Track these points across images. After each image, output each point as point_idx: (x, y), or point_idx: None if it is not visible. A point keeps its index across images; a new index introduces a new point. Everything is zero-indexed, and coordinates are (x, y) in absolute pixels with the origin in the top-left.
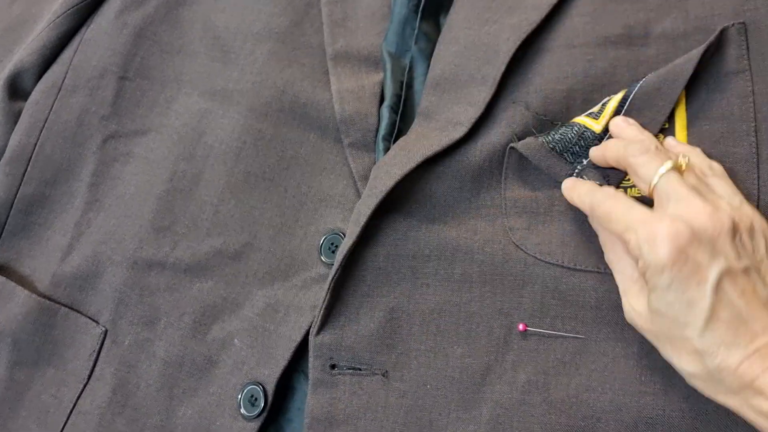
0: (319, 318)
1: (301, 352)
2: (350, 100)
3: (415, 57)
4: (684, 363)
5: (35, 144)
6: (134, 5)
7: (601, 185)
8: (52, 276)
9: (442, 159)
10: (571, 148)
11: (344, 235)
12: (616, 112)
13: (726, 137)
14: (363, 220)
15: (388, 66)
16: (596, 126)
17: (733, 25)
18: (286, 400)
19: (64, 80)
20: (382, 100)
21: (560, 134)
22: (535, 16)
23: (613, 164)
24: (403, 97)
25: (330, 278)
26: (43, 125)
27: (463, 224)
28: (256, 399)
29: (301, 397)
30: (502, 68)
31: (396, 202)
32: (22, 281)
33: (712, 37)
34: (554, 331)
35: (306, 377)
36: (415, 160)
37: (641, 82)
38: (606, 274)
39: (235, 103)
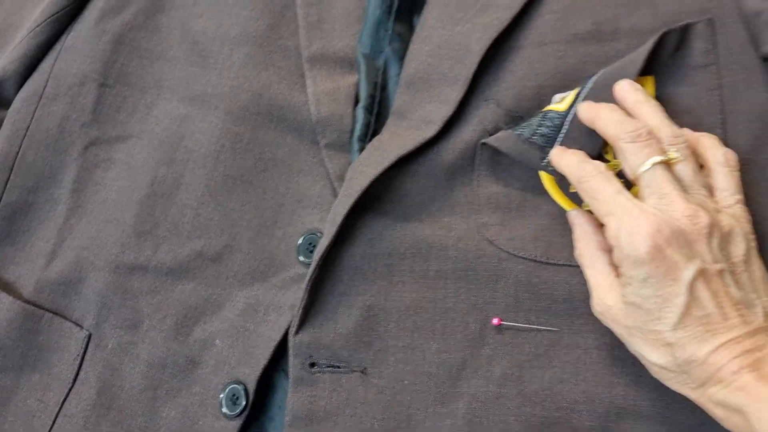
0: (298, 317)
1: (281, 350)
2: (326, 102)
3: (389, 58)
4: (654, 355)
5: (17, 152)
6: (113, 13)
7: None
8: (36, 282)
9: (415, 158)
10: (537, 129)
11: (322, 235)
12: (575, 100)
13: (695, 130)
14: (339, 220)
15: (363, 67)
16: (560, 106)
17: (700, 20)
18: (267, 398)
19: (45, 88)
20: (357, 101)
21: (526, 122)
22: (506, 15)
23: (600, 133)
24: (377, 97)
25: (307, 278)
26: (25, 133)
27: (438, 222)
28: (237, 398)
29: (281, 395)
30: (474, 67)
31: (371, 201)
32: (7, 288)
33: (660, 32)
34: (528, 324)
35: (286, 375)
36: (389, 160)
37: (598, 73)
38: (578, 267)
39: (214, 107)
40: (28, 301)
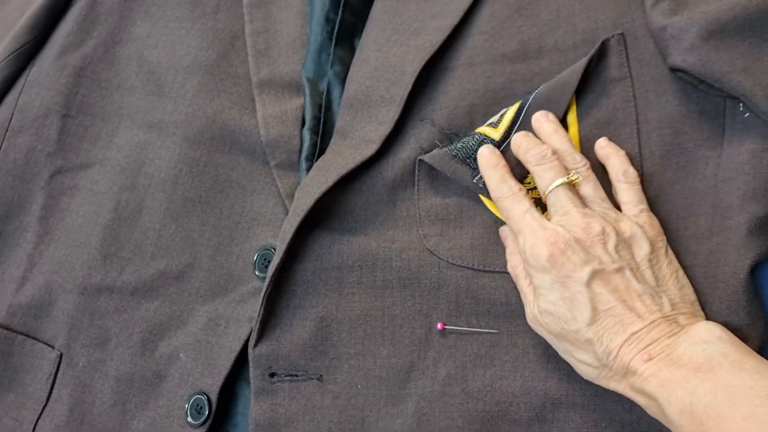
0: (256, 331)
1: (242, 360)
2: (274, 125)
3: (331, 81)
4: (579, 353)
5: None
6: (73, 47)
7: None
8: (9, 306)
9: (358, 175)
10: (472, 154)
11: (275, 250)
12: (513, 122)
13: (613, 140)
14: (288, 238)
15: (307, 91)
16: (495, 134)
17: (613, 36)
18: (230, 406)
19: (10, 121)
20: (304, 123)
21: (462, 143)
22: (438, 38)
23: (517, 157)
24: (322, 119)
25: (262, 294)
26: None
27: (382, 235)
28: (201, 408)
29: (244, 403)
30: (409, 88)
31: (319, 218)
32: None
33: (593, 50)
34: (470, 327)
35: (248, 384)
36: (331, 179)
37: (534, 92)
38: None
39: (171, 133)
40: (0, 326)
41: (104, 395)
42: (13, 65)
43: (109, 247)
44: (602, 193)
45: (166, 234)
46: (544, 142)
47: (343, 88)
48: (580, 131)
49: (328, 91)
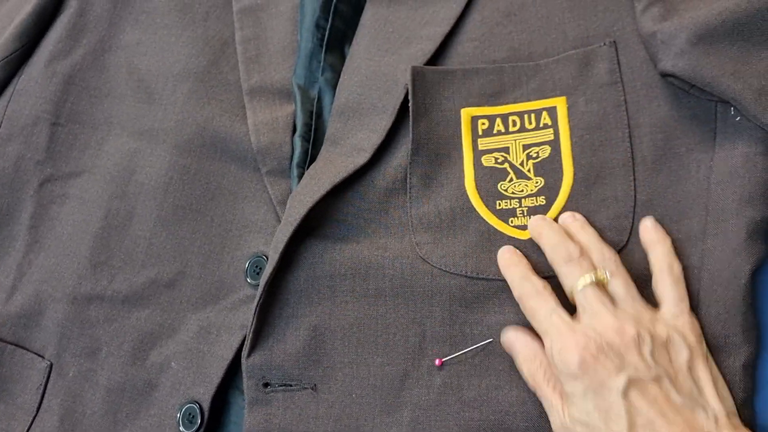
0: (249, 341)
1: (234, 369)
2: (265, 132)
3: (322, 88)
4: None
5: None
6: (62, 54)
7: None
8: None
9: (350, 184)
10: None
11: (267, 258)
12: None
13: (605, 145)
14: (281, 247)
15: (298, 98)
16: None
17: (604, 43)
18: (222, 415)
19: None
20: (295, 130)
21: None
22: (430, 47)
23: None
24: (313, 125)
25: (255, 303)
26: None
27: (374, 243)
28: (193, 416)
29: (236, 411)
30: (401, 98)
31: (311, 227)
32: None
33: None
34: (466, 349)
35: (240, 392)
36: (324, 188)
37: None
38: (506, 281)
39: (161, 141)
40: None
41: (95, 405)
42: (1, 73)
43: (99, 256)
44: (634, 291)
45: (157, 242)
46: (570, 236)
47: (334, 95)
48: (571, 136)
49: (319, 98)
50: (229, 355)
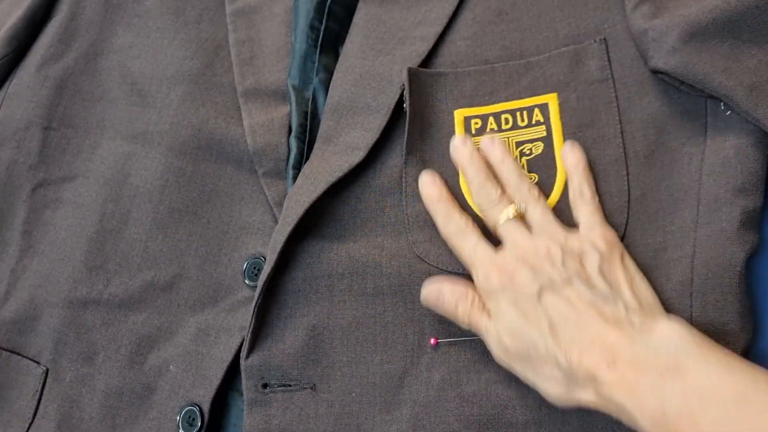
0: (248, 342)
1: (233, 370)
2: (261, 133)
3: (316, 88)
4: (546, 370)
5: None
6: (54, 58)
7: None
8: None
9: (345, 183)
10: None
11: (265, 259)
12: None
13: (597, 141)
14: (278, 247)
15: (293, 99)
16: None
17: (595, 41)
18: (222, 417)
19: None
20: (290, 131)
21: None
22: (423, 47)
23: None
24: (308, 126)
25: (253, 304)
26: None
27: (371, 242)
28: (193, 419)
29: (236, 413)
30: (396, 98)
31: (308, 227)
32: None
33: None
34: (462, 337)
35: (240, 394)
36: (321, 188)
37: None
38: None
39: (156, 144)
40: None
41: (92, 410)
42: None
43: (95, 260)
44: (550, 216)
45: (153, 245)
46: (492, 168)
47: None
48: (564, 133)
49: (314, 99)
50: (228, 357)
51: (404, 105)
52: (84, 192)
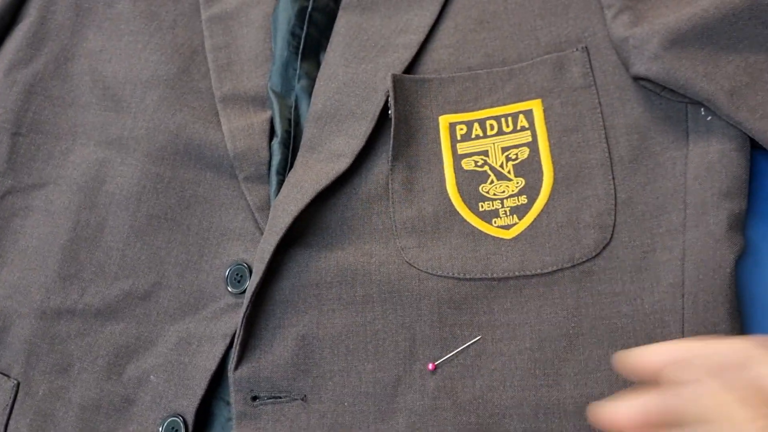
0: (236, 353)
1: (217, 379)
2: (241, 137)
3: (299, 96)
4: None
5: None
6: (23, 63)
7: None
8: None
9: (332, 191)
10: None
11: (248, 266)
12: None
13: (582, 146)
14: (267, 257)
15: (275, 105)
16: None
17: (576, 49)
18: (206, 428)
19: None
20: (272, 137)
21: None
22: (407, 55)
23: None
24: (292, 132)
25: (243, 314)
26: None
27: (359, 249)
28: (176, 430)
29: (222, 423)
30: (381, 104)
31: (295, 236)
32: None
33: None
34: (457, 349)
35: (225, 403)
36: (308, 196)
37: None
38: (493, 279)
39: (132, 150)
40: None
41: (68, 424)
42: None
43: (69, 269)
44: None
45: (131, 253)
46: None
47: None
48: (549, 138)
49: (296, 106)
50: (213, 366)
51: (389, 111)
52: (56, 199)
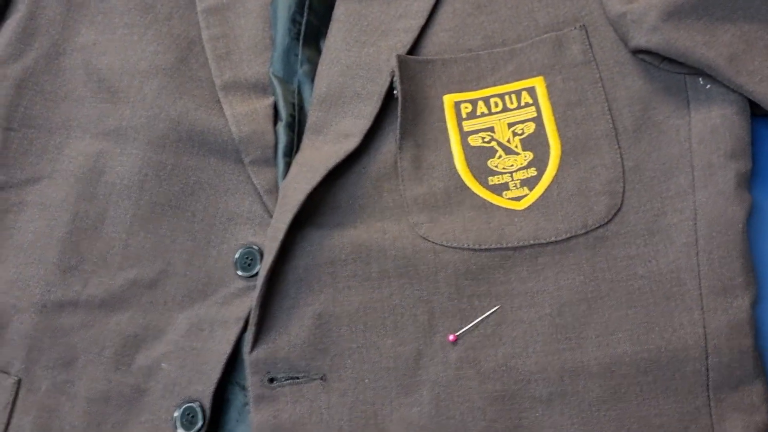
0: (252, 335)
1: (231, 365)
2: (246, 122)
3: (301, 80)
4: None
5: None
6: (12, 58)
7: None
8: None
9: (341, 171)
10: None
11: (258, 249)
12: None
13: (587, 119)
14: (280, 236)
15: (279, 90)
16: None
17: (575, 27)
18: (222, 413)
19: None
20: (276, 121)
21: None
22: (408, 38)
23: None
24: (296, 117)
25: (257, 295)
26: None
27: (372, 226)
28: (193, 416)
29: (237, 408)
30: (386, 85)
31: (306, 216)
32: None
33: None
34: (476, 320)
35: (240, 388)
36: (320, 174)
37: None
38: (508, 248)
39: (132, 139)
40: None
41: (74, 418)
42: None
43: (69, 261)
44: None
45: (135, 242)
46: None
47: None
48: (553, 112)
49: (299, 90)
50: (228, 349)
51: (394, 92)
52: (51, 193)
